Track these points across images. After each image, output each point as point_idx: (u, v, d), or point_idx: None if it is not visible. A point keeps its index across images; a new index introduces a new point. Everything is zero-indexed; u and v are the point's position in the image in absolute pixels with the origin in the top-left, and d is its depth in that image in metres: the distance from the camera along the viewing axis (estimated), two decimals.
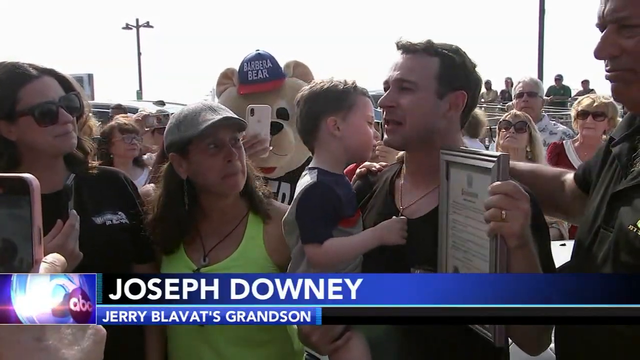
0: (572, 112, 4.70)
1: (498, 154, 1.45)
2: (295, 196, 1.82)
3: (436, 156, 1.68)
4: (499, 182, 1.40)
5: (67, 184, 1.76)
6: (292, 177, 2.69)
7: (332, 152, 1.85)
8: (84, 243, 1.72)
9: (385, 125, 1.78)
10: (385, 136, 1.79)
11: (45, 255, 0.75)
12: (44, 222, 1.70)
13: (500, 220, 1.38)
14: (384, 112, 1.76)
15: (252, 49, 3.08)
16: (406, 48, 1.76)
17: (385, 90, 1.80)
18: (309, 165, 1.88)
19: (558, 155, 4.23)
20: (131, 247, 2.02)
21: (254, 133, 2.47)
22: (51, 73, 1.90)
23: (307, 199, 1.76)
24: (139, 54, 37.28)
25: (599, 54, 1.33)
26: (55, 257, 0.76)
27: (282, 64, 3.05)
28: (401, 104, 1.71)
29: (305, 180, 1.80)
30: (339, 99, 1.82)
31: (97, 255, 1.82)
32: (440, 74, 1.72)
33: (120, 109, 7.67)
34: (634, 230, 1.26)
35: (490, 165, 1.44)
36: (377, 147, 3.14)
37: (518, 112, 4.09)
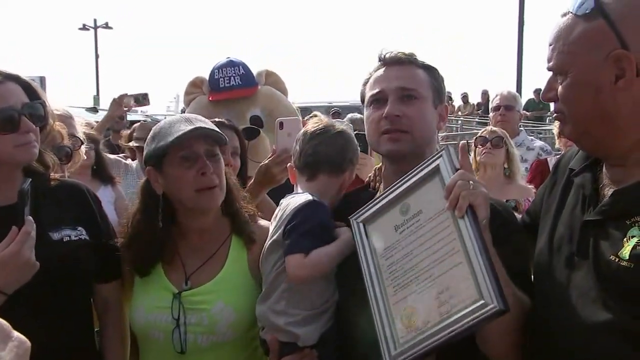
0: (555, 130, 4.77)
1: (438, 151, 1.50)
2: (282, 216, 1.80)
3: None
4: (456, 171, 1.44)
5: (24, 187, 1.63)
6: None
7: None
8: (40, 260, 1.62)
9: (386, 135, 1.74)
10: (389, 146, 1.74)
11: None
12: (0, 235, 1.59)
13: (471, 190, 1.38)
14: (388, 122, 1.73)
15: (216, 53, 3.26)
16: (394, 60, 1.78)
17: (370, 102, 1.78)
18: None
19: (542, 173, 4.23)
20: (92, 264, 1.92)
21: (284, 147, 2.28)
22: (16, 80, 1.81)
23: (297, 215, 1.74)
24: (97, 56, 34.20)
25: (542, 96, 1.48)
26: None
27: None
28: (407, 113, 1.72)
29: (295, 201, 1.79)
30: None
31: (55, 273, 1.75)
32: (433, 85, 1.78)
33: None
34: (616, 260, 1.25)
35: (437, 161, 1.47)
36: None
37: (495, 128, 4.08)
